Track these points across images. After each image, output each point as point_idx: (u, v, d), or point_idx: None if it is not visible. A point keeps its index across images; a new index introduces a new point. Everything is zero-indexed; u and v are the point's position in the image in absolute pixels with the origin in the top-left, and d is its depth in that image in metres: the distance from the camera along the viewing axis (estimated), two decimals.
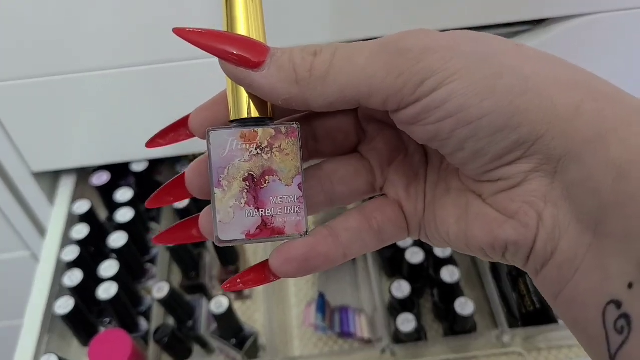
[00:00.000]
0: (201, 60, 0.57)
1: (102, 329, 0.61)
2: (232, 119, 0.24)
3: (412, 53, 0.22)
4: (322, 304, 0.64)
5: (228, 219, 0.23)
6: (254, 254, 0.74)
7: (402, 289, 0.59)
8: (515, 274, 0.62)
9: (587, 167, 0.21)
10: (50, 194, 0.72)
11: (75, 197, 0.71)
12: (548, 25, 0.60)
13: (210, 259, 0.67)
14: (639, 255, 0.19)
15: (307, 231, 0.24)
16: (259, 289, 0.69)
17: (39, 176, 0.69)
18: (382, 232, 0.26)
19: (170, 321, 0.62)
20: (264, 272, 0.25)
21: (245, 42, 0.23)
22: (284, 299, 0.68)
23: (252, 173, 0.23)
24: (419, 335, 0.59)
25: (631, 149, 0.20)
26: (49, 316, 0.61)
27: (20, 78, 0.57)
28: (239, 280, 0.26)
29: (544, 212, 0.22)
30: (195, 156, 0.74)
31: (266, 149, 0.23)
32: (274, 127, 0.23)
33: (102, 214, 0.71)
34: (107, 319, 0.63)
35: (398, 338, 0.59)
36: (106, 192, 0.68)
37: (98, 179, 0.68)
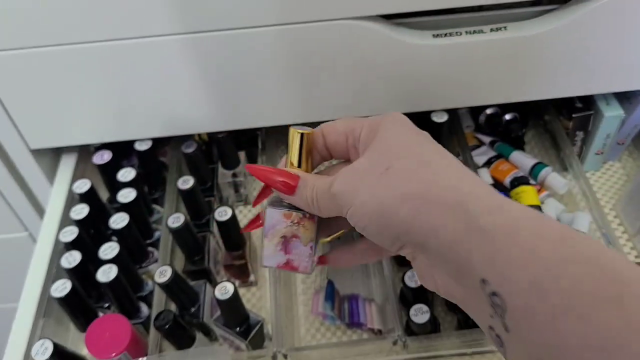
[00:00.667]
0: (206, 33, 0.54)
1: (101, 314, 0.58)
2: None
3: (336, 198, 0.35)
4: (331, 293, 0.61)
5: (269, 255, 0.40)
6: (258, 238, 0.71)
7: (415, 278, 0.57)
8: None
9: (434, 248, 0.32)
10: (50, 173, 0.69)
11: (75, 176, 0.68)
12: (575, 4, 0.56)
13: (215, 243, 0.65)
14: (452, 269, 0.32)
15: (310, 272, 0.41)
16: (266, 276, 0.66)
17: (39, 154, 0.67)
18: None
19: (172, 307, 0.59)
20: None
21: (287, 175, 0.38)
22: (291, 286, 0.65)
23: (286, 235, 0.39)
24: (432, 327, 0.56)
25: (461, 244, 0.31)
26: (44, 299, 0.58)
27: (19, 47, 0.54)
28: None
29: (435, 276, 0.34)
30: (200, 136, 0.72)
31: (296, 224, 0.39)
32: (303, 213, 0.39)
33: (104, 194, 0.69)
34: (106, 304, 0.61)
35: (410, 329, 0.56)
36: (108, 172, 0.65)
37: (100, 157, 0.65)
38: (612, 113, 0.67)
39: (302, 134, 0.38)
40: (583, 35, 0.58)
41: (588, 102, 0.69)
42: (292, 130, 0.38)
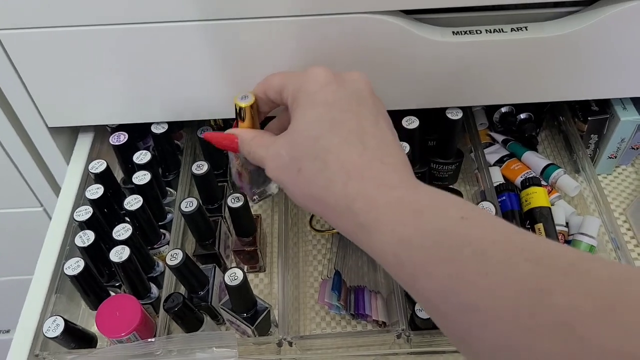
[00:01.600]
0: (226, 21, 0.54)
1: (112, 293, 0.60)
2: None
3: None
4: (338, 283, 0.62)
5: (234, 175, 0.56)
6: (268, 226, 0.72)
7: None
8: None
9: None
10: (67, 151, 0.70)
11: (91, 156, 0.69)
12: (599, 7, 0.56)
13: (226, 228, 0.65)
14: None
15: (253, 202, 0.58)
16: (275, 263, 0.67)
17: (56, 132, 0.67)
18: None
19: (182, 289, 0.60)
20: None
21: (227, 137, 0.50)
22: (299, 274, 0.66)
23: (238, 170, 0.55)
24: None
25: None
26: (57, 276, 0.60)
27: (40, 27, 0.55)
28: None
29: None
30: (216, 121, 0.72)
31: (240, 166, 0.54)
32: (244, 160, 0.52)
33: (118, 174, 0.69)
34: (117, 283, 0.62)
35: (414, 324, 0.57)
36: (124, 153, 0.66)
37: (116, 138, 0.66)
38: (628, 117, 0.67)
39: (240, 108, 0.49)
40: (604, 38, 0.57)
41: (604, 106, 0.69)
42: (234, 100, 0.49)
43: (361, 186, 0.37)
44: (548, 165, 0.71)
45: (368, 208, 0.36)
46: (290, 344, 0.56)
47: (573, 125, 0.72)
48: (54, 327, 0.52)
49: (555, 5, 0.57)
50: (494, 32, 0.57)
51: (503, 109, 0.74)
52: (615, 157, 0.72)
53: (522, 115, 0.73)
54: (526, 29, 0.57)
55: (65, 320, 0.53)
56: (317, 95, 0.42)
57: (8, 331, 1.08)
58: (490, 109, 0.76)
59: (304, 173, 0.40)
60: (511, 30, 0.57)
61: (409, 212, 0.35)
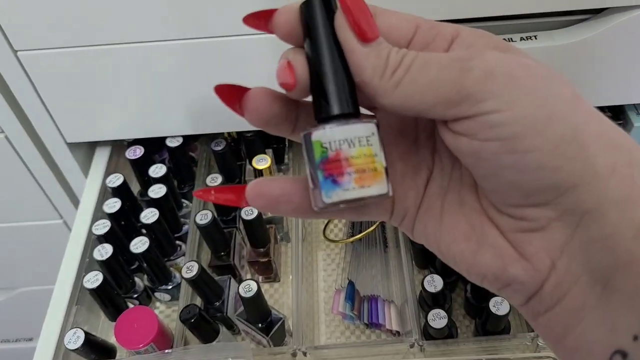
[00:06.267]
0: (240, 37, 0.55)
1: (130, 304, 0.61)
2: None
3: (475, 73, 0.23)
4: (352, 293, 0.63)
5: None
6: (284, 235, 0.73)
7: (434, 283, 0.57)
8: None
9: (610, 227, 0.22)
10: (85, 165, 0.72)
11: (109, 170, 0.71)
12: (608, 15, 0.56)
13: (240, 239, 0.66)
14: None
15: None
16: (289, 273, 0.68)
17: (75, 147, 0.69)
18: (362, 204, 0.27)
19: (197, 301, 0.61)
20: (239, 196, 0.27)
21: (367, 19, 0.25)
22: (313, 284, 0.67)
23: None
24: (449, 331, 0.57)
25: None
26: (77, 288, 0.61)
27: (58, 47, 0.56)
28: (213, 192, 0.29)
29: (558, 261, 0.24)
30: (229, 134, 0.73)
31: None
32: None
33: (135, 186, 0.71)
34: (135, 295, 0.63)
35: (427, 333, 0.58)
36: (140, 167, 0.68)
37: (132, 152, 0.67)
38: None
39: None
40: (614, 45, 0.57)
41: (617, 112, 0.68)
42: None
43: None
44: None
45: None
46: (305, 354, 0.57)
47: None
48: (75, 339, 0.54)
49: (565, 14, 0.57)
50: None
51: None
52: None
53: None
54: (536, 38, 0.58)
55: (86, 333, 0.54)
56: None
57: (31, 339, 1.10)
58: None
59: (581, 99, 0.24)
60: (520, 40, 0.58)
61: None
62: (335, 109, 0.25)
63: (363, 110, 0.26)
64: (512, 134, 0.22)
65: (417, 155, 0.28)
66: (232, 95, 0.27)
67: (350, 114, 0.25)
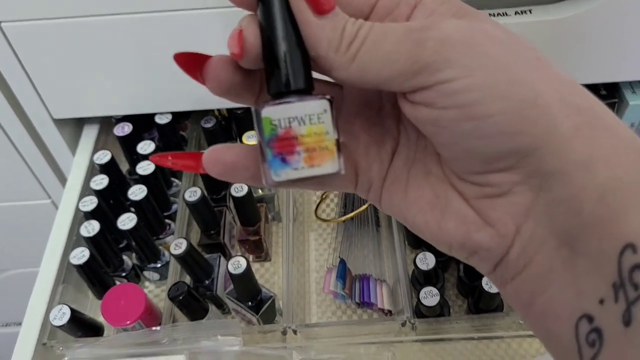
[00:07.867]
0: (229, 9, 0.54)
1: (117, 282, 0.60)
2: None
3: (431, 43, 0.22)
4: (343, 272, 0.62)
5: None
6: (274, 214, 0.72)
7: (427, 261, 0.57)
8: None
9: (573, 188, 0.21)
10: (73, 143, 0.71)
11: (97, 147, 0.70)
12: None
13: (231, 219, 0.66)
14: (610, 273, 0.20)
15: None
16: (280, 253, 0.67)
17: (62, 124, 0.68)
18: None
19: (187, 280, 0.60)
20: (196, 162, 0.27)
21: None
22: (304, 263, 0.66)
23: None
24: (441, 310, 0.56)
25: (616, 177, 0.21)
26: (64, 266, 0.60)
27: (43, 18, 0.55)
28: (170, 158, 0.28)
29: (523, 226, 0.23)
30: (219, 111, 0.72)
31: None
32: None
33: (124, 165, 0.70)
34: (123, 273, 0.62)
35: (419, 311, 0.57)
36: (129, 144, 0.67)
37: (121, 129, 0.66)
38: (637, 102, 0.66)
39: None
40: (611, 20, 0.56)
41: (613, 90, 0.68)
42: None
43: None
44: None
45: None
46: (295, 332, 0.56)
47: None
48: (60, 315, 0.53)
49: None
50: (497, 15, 0.57)
51: None
52: None
53: None
54: (530, 12, 0.57)
55: (72, 309, 0.53)
56: None
57: (20, 324, 1.09)
58: None
59: (545, 62, 0.24)
60: (515, 14, 0.57)
61: None
62: (286, 85, 0.24)
63: (325, 79, 0.25)
64: (470, 101, 0.22)
65: (382, 127, 0.28)
66: (192, 63, 0.27)
67: (302, 90, 0.24)
